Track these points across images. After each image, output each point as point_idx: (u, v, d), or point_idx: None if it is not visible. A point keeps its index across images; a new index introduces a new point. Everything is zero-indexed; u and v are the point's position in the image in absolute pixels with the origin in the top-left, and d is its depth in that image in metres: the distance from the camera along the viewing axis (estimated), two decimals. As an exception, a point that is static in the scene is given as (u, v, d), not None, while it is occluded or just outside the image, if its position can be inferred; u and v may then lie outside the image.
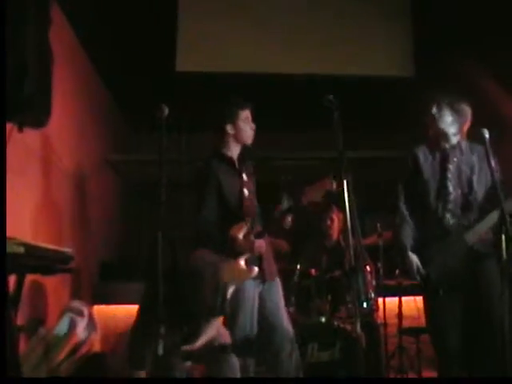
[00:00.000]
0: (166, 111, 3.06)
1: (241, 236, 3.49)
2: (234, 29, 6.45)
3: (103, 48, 5.88)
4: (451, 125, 3.66)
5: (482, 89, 5.87)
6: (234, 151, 4.00)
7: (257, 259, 3.70)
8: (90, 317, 3.85)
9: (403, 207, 3.76)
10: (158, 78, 6.39)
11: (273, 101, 6.50)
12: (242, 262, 3.47)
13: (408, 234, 3.70)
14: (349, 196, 3.02)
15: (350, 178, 3.12)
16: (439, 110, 3.67)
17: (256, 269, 3.47)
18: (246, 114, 4.00)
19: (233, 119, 3.97)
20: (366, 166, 6.98)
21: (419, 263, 3.62)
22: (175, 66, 6.29)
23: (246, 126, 3.98)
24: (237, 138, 3.98)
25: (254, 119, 4.03)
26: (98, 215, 6.34)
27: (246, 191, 3.94)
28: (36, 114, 3.39)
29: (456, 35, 5.99)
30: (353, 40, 6.59)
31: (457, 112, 3.66)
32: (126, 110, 7.60)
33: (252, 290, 3.80)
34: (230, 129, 3.95)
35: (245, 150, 4.05)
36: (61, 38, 4.52)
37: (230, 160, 3.96)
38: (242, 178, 3.97)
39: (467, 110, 3.71)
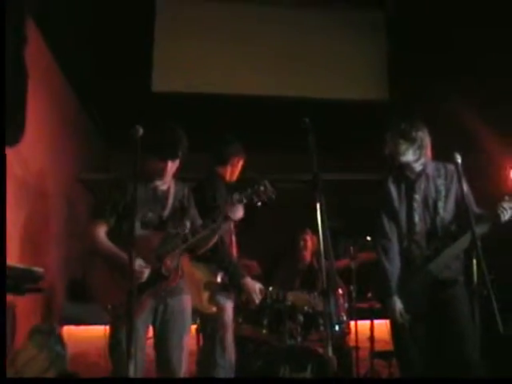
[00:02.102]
0: (141, 131, 3.06)
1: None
2: (211, 50, 6.49)
3: (79, 66, 5.86)
4: (411, 155, 3.60)
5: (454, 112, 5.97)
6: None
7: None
8: (59, 337, 3.79)
9: (387, 227, 3.63)
10: (134, 98, 6.38)
11: (248, 122, 6.53)
12: (206, 297, 3.96)
13: (394, 265, 3.55)
14: (322, 218, 3.03)
15: (324, 200, 3.13)
16: (395, 145, 3.62)
17: (214, 309, 4.01)
18: (238, 162, 4.34)
19: (225, 164, 4.32)
20: (340, 189, 7.02)
21: (402, 309, 3.50)
22: (151, 87, 6.31)
23: (235, 172, 4.35)
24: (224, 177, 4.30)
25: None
26: (68, 234, 6.27)
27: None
28: (9, 131, 3.37)
29: (431, 59, 6.11)
30: (328, 64, 6.66)
31: (413, 141, 3.56)
32: (102, 130, 7.58)
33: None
34: (219, 169, 4.29)
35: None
36: (36, 55, 4.49)
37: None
38: None
39: (423, 136, 3.60)
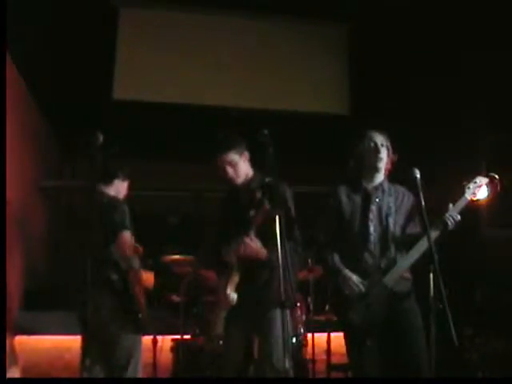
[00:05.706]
0: (101, 138, 3.02)
1: None
2: (173, 60, 6.50)
3: (40, 74, 5.81)
4: (382, 160, 3.64)
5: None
6: None
7: None
8: (11, 348, 3.71)
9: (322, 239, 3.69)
10: (95, 105, 6.34)
11: (207, 133, 6.54)
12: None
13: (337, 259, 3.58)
14: (280, 231, 3.03)
15: (283, 213, 3.14)
16: (376, 143, 3.64)
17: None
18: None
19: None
20: (299, 201, 7.04)
21: (357, 278, 3.47)
22: (113, 95, 6.28)
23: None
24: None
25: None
26: (23, 242, 6.16)
27: None
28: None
29: (393, 74, 6.20)
30: (290, 77, 6.72)
31: (387, 148, 3.67)
32: (62, 137, 7.51)
33: None
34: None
35: None
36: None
37: None
38: None
39: (388, 150, 3.63)
